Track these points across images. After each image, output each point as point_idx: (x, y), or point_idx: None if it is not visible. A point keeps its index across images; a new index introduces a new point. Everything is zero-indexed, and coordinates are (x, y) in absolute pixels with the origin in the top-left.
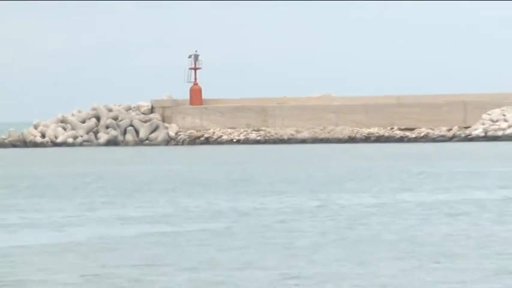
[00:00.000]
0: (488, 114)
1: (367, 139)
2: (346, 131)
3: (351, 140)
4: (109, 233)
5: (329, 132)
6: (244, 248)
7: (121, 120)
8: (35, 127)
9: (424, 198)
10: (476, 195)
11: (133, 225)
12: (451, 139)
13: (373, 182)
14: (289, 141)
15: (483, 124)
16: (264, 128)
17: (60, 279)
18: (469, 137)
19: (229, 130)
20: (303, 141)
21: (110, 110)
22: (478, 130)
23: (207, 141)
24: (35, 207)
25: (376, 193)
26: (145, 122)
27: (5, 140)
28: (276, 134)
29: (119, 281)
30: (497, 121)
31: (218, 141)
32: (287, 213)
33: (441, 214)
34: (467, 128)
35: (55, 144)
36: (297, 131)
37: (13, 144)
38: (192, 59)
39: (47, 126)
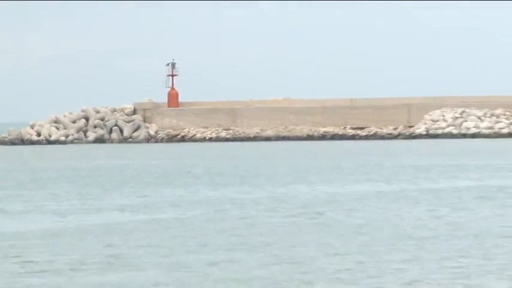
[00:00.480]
0: (430, 115)
1: (323, 137)
2: (305, 130)
3: (309, 137)
4: (105, 219)
5: (290, 131)
6: (228, 232)
7: (107, 121)
8: (32, 127)
9: (381, 188)
10: (425, 185)
11: (127, 212)
12: (396, 137)
13: (333, 174)
14: (255, 139)
15: (425, 124)
16: (233, 127)
17: (64, 259)
18: (413, 135)
19: (202, 129)
20: (268, 139)
21: (98, 112)
22: (420, 129)
23: (183, 139)
24: (36, 197)
25: (338, 183)
26: (128, 122)
27: (5, 138)
28: (243, 132)
29: (120, 261)
30: (437, 121)
31: (192, 139)
32: (261, 202)
33: (396, 201)
34: (411, 127)
35: (49, 142)
36: (262, 130)
37: (12, 142)
38: (169, 67)
39: (42, 126)
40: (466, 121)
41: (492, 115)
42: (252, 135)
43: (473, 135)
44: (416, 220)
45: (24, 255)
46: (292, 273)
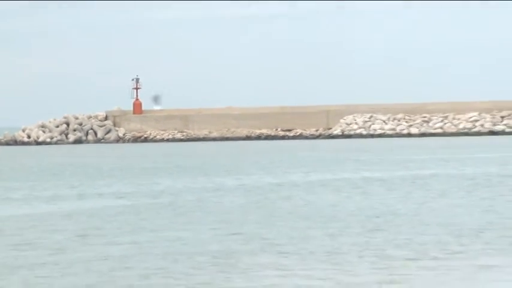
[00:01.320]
0: (344, 119)
1: (259, 137)
2: (244, 132)
3: (248, 138)
4: (88, 204)
5: (232, 133)
6: (187, 214)
7: (84, 125)
8: (23, 130)
9: (311, 177)
10: (342, 175)
11: (104, 199)
12: (318, 137)
13: (267, 167)
14: (204, 139)
15: (341, 126)
16: (186, 130)
17: (55, 238)
18: (331, 135)
19: (161, 132)
20: (214, 139)
21: (76, 118)
22: (337, 130)
23: (146, 140)
24: (31, 188)
25: (276, 173)
26: (101, 126)
27: (1, 140)
28: (194, 134)
29: (102, 240)
30: (350, 124)
31: (153, 140)
32: (213, 190)
33: (322, 187)
34: (329, 129)
35: (37, 143)
36: (210, 132)
37: (7, 143)
38: (134, 82)
39: (31, 130)
40: (373, 124)
41: (394, 119)
42: (201, 136)
43: (379, 136)
44: (343, 204)
45: (21, 234)
46: (241, 246)
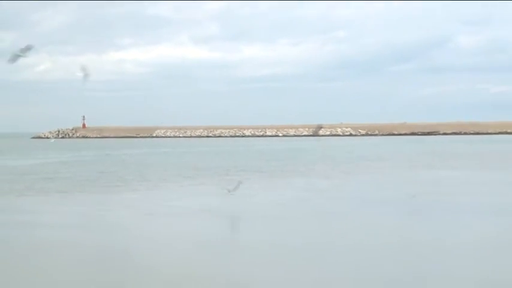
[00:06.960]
0: (158, 130)
1: (128, 137)
2: (122, 134)
3: (124, 137)
4: (57, 159)
5: (118, 135)
6: (99, 164)
7: (64, 132)
8: (42, 133)
9: (150, 150)
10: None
11: (66, 158)
12: (147, 137)
13: (130, 147)
14: (108, 137)
15: (156, 134)
16: (102, 134)
17: (62, 172)
18: (153, 137)
19: (92, 134)
20: (111, 137)
21: (62, 129)
22: (155, 135)
23: (86, 138)
24: (33, 154)
25: (137, 149)
26: (70, 132)
27: (34, 136)
28: (104, 135)
29: (65, 182)
30: (159, 133)
31: (89, 137)
32: (113, 156)
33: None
34: (152, 134)
35: (47, 138)
36: (109, 134)
37: (35, 138)
38: (82, 116)
39: (44, 133)
40: (168, 133)
41: (178, 131)
42: (107, 135)
43: (172, 137)
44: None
45: (23, 181)
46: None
